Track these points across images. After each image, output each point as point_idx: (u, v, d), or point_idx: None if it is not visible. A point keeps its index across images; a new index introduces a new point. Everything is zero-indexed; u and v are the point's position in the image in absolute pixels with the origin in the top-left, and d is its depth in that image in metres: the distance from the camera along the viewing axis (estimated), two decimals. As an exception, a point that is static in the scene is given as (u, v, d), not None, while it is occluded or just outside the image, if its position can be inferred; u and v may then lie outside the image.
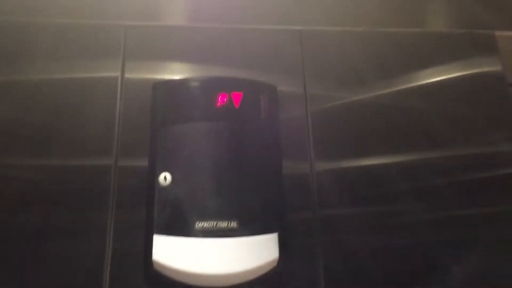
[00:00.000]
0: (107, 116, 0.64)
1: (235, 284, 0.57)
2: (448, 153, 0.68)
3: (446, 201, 0.65)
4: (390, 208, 0.64)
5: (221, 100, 0.63)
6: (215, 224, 0.57)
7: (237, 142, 0.61)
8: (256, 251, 0.57)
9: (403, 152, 0.67)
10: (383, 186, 0.65)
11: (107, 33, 0.68)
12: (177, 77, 0.67)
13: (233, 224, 0.57)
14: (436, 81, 0.71)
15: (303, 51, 0.71)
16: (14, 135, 0.62)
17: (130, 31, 0.68)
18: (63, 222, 0.59)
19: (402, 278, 0.61)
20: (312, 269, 0.60)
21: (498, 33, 0.75)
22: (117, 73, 0.66)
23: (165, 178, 0.59)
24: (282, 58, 0.70)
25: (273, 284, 0.58)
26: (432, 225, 0.64)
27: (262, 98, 0.64)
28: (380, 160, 0.66)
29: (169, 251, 0.56)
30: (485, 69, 0.73)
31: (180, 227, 0.56)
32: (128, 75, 0.66)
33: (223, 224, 0.57)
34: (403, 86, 0.70)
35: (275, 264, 0.58)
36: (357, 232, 0.63)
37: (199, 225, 0.56)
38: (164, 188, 0.58)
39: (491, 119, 0.70)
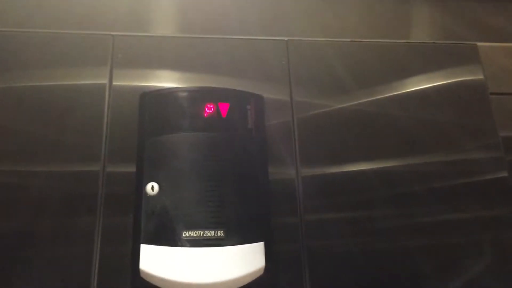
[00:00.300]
0: (96, 123, 0.64)
1: (222, 293, 0.57)
2: (427, 159, 0.69)
3: (425, 207, 0.67)
4: (372, 213, 0.65)
5: (208, 110, 0.63)
6: (202, 233, 0.57)
7: (224, 152, 0.62)
8: (242, 260, 0.57)
9: (384, 159, 0.68)
10: (366, 192, 0.66)
11: (95, 43, 0.69)
12: (165, 86, 0.68)
13: (220, 233, 0.57)
14: (419, 90, 0.73)
15: (289, 60, 0.72)
16: (3, 141, 0.62)
17: (118, 41, 0.69)
18: (51, 228, 0.59)
19: (386, 282, 0.63)
20: (297, 273, 0.61)
21: (480, 44, 0.77)
22: (105, 81, 0.67)
23: (152, 187, 0.59)
24: (269, 67, 0.71)
25: (259, 292, 0.59)
26: (412, 230, 0.65)
27: (249, 108, 0.65)
28: (362, 166, 0.68)
29: (156, 260, 0.56)
30: (467, 78, 0.75)
31: (167, 236, 0.57)
32: (116, 82, 0.67)
33: (210, 234, 0.57)
34: (386, 95, 0.72)
35: (261, 272, 0.58)
36: (341, 237, 0.64)
37: (186, 234, 0.57)
38: (151, 198, 0.59)
39: (473, 126, 0.72)
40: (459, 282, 0.63)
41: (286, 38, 0.73)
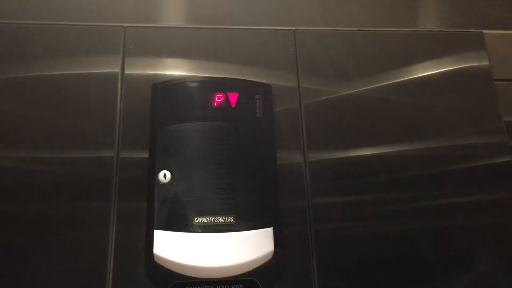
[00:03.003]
0: (109, 110, 0.66)
1: (232, 276, 0.59)
2: (432, 144, 0.70)
3: (430, 191, 0.68)
4: (378, 197, 0.67)
5: (217, 100, 0.65)
6: (213, 219, 0.59)
7: (234, 141, 0.63)
8: (252, 245, 0.59)
9: (389, 144, 0.69)
10: (372, 176, 0.68)
11: (106, 34, 0.70)
12: (174, 75, 0.69)
13: (230, 219, 0.59)
14: (424, 76, 0.74)
15: (296, 49, 0.73)
16: (20, 129, 0.64)
17: (130, 32, 0.70)
18: (67, 213, 0.61)
19: (393, 265, 0.64)
20: (305, 257, 0.63)
21: (486, 31, 0.77)
22: (117, 70, 0.68)
23: (164, 175, 0.61)
24: (277, 56, 0.72)
25: (269, 275, 0.61)
26: (417, 214, 0.67)
27: (257, 98, 0.66)
28: (368, 152, 0.69)
29: (169, 245, 0.58)
30: (473, 64, 0.75)
31: (179, 222, 0.59)
32: (128, 71, 0.68)
33: (220, 219, 0.59)
34: (392, 81, 0.73)
35: (270, 256, 0.60)
36: (348, 220, 0.65)
37: (198, 220, 0.59)
38: (163, 186, 0.61)
39: (478, 113, 0.73)
40: (463, 266, 0.65)
41: (293, 28, 0.74)
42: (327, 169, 0.67)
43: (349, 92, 0.71)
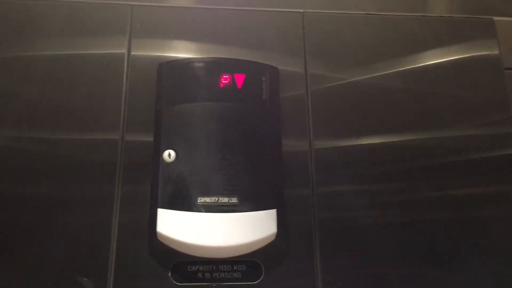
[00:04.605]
0: (114, 91, 0.66)
1: (235, 256, 0.60)
2: (440, 134, 0.70)
3: (437, 181, 0.67)
4: (384, 186, 0.66)
5: (224, 80, 0.64)
6: (216, 199, 0.59)
7: (239, 122, 0.63)
8: (255, 226, 0.59)
9: (396, 133, 0.69)
10: (378, 165, 0.67)
11: (114, 12, 0.70)
12: (182, 56, 0.69)
13: (234, 200, 0.59)
14: (433, 64, 0.73)
15: (304, 33, 0.72)
16: (23, 110, 0.64)
17: (137, 11, 0.70)
18: (71, 194, 0.61)
19: (396, 255, 0.64)
20: (308, 242, 0.63)
21: (496, 18, 0.76)
22: (124, 50, 0.68)
23: (169, 155, 0.61)
24: (284, 39, 0.72)
25: (271, 256, 0.61)
26: (424, 204, 0.66)
27: (263, 79, 0.66)
28: (375, 140, 0.68)
29: (173, 224, 0.58)
30: (483, 52, 0.74)
31: (183, 202, 0.59)
32: (134, 52, 0.68)
33: (224, 200, 0.59)
34: (402, 68, 0.72)
35: (273, 238, 0.60)
36: (353, 209, 0.65)
37: (201, 200, 0.59)
38: (168, 165, 0.61)
39: (487, 101, 0.72)
40: (482, 254, 0.65)
41: (302, 10, 0.73)
42: (333, 157, 0.67)
43: (356, 78, 0.71)
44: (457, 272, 0.64)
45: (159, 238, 0.59)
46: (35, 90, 0.65)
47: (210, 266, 0.60)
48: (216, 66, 0.66)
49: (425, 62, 0.73)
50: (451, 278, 0.64)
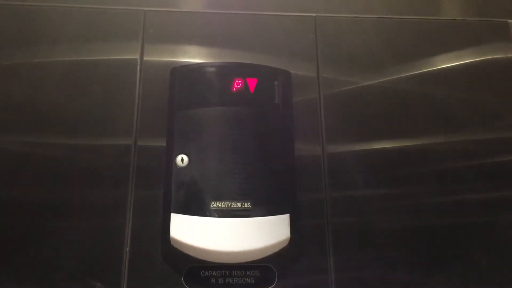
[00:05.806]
0: (127, 97, 0.66)
1: (248, 261, 0.59)
2: (455, 138, 0.69)
3: (456, 185, 0.67)
4: (397, 191, 0.66)
5: (236, 85, 0.64)
6: (229, 204, 0.59)
7: (252, 126, 0.63)
8: (268, 231, 0.59)
9: (409, 137, 0.68)
10: (391, 170, 0.67)
11: (127, 18, 0.70)
12: (194, 61, 0.69)
13: (247, 204, 0.59)
14: (448, 67, 0.72)
15: (317, 37, 0.72)
16: (37, 115, 0.65)
17: (150, 16, 0.70)
18: (84, 199, 0.61)
19: (410, 259, 0.63)
20: (322, 247, 0.62)
21: (511, 21, 0.76)
22: (136, 56, 0.68)
23: (182, 159, 0.61)
24: (296, 43, 0.72)
25: (284, 262, 0.60)
26: (437, 209, 0.65)
27: (276, 84, 0.66)
28: (388, 144, 0.68)
29: (186, 229, 0.58)
30: (497, 56, 0.74)
31: (196, 206, 0.59)
32: (147, 57, 0.68)
33: (237, 205, 0.59)
34: (415, 72, 0.72)
35: (286, 243, 0.60)
36: (367, 214, 0.64)
37: (214, 205, 0.59)
38: (181, 169, 0.61)
39: (501, 105, 0.71)
40: (502, 260, 0.64)
41: (314, 14, 0.73)
42: (346, 161, 0.66)
43: (369, 82, 0.70)
44: (469, 278, 0.63)
45: (172, 243, 0.59)
46: (49, 96, 0.66)
47: (223, 271, 0.59)
48: (228, 70, 0.66)
49: (439, 66, 0.72)
50: (465, 283, 0.63)
